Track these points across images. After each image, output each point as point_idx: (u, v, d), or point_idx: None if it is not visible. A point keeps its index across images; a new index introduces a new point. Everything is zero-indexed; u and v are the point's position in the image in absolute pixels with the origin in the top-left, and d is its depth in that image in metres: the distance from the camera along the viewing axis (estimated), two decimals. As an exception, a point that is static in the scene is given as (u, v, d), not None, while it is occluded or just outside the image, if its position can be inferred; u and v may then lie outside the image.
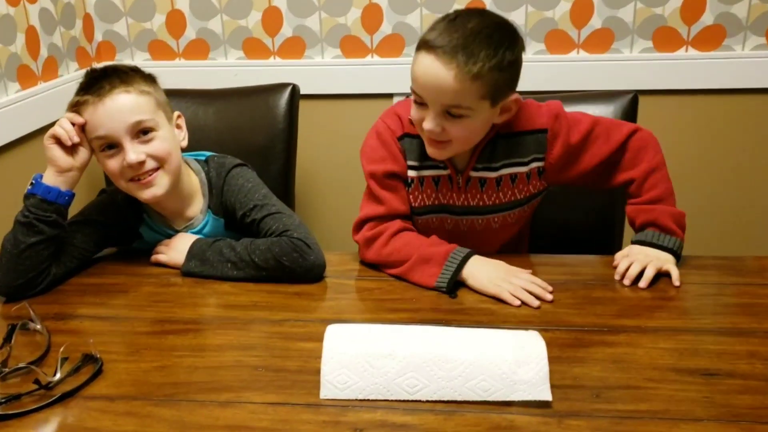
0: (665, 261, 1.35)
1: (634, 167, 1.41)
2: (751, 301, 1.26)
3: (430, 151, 1.36)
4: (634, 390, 1.02)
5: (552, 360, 1.05)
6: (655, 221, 1.39)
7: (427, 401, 1.01)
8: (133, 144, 1.35)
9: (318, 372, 1.03)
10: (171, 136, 1.41)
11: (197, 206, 1.50)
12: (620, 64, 2.01)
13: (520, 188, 1.44)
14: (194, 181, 1.50)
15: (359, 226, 1.44)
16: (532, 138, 1.41)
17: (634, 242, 1.41)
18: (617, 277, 1.35)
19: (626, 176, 1.42)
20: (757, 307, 1.24)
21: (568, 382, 1.04)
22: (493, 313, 1.24)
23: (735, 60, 1.99)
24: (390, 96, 2.06)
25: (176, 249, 1.44)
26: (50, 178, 1.34)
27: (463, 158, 1.42)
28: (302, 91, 1.85)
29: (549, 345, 1.08)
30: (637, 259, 1.35)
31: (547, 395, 1.00)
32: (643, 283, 1.31)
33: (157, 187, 1.39)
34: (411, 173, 1.44)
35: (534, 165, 1.42)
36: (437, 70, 1.24)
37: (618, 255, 1.40)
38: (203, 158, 1.54)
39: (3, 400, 1.01)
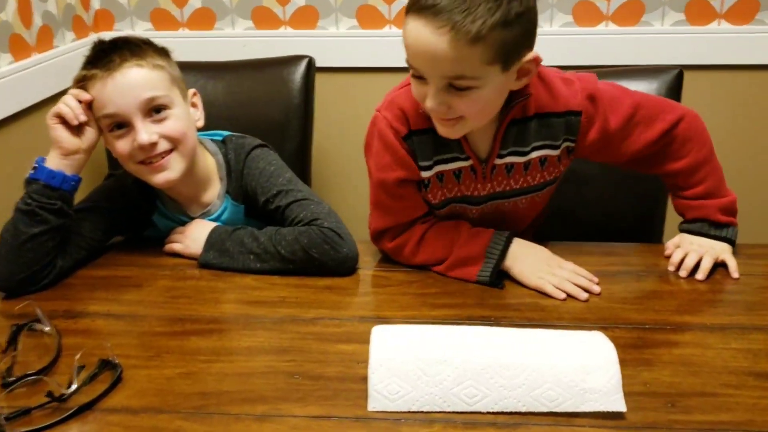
0: (721, 250, 1.26)
1: (680, 158, 1.27)
2: (819, 293, 1.17)
3: (441, 130, 1.17)
4: (711, 397, 0.93)
5: (621, 363, 0.95)
6: (707, 218, 1.28)
7: (488, 413, 0.91)
8: (145, 123, 1.23)
9: (363, 380, 0.93)
10: (186, 114, 1.30)
11: (214, 191, 1.39)
12: (653, 38, 1.89)
13: (550, 170, 1.28)
14: (210, 164, 1.39)
15: (376, 237, 1.30)
16: (563, 120, 1.22)
17: (683, 231, 1.31)
18: (671, 268, 1.25)
19: (671, 168, 1.29)
20: (827, 301, 1.15)
21: (638, 389, 0.95)
22: (544, 309, 1.14)
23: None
24: (407, 69, 1.93)
25: (192, 237, 1.32)
26: (54, 162, 1.22)
27: (485, 143, 1.23)
28: (317, 64, 1.73)
29: (611, 346, 0.99)
30: (692, 249, 1.26)
31: (621, 405, 0.90)
32: (701, 275, 1.22)
33: (170, 171, 1.27)
34: (425, 174, 1.24)
35: (565, 145, 1.26)
36: (428, 36, 1.03)
37: (670, 244, 1.30)
38: (220, 138, 1.42)
39: (11, 415, 0.90)
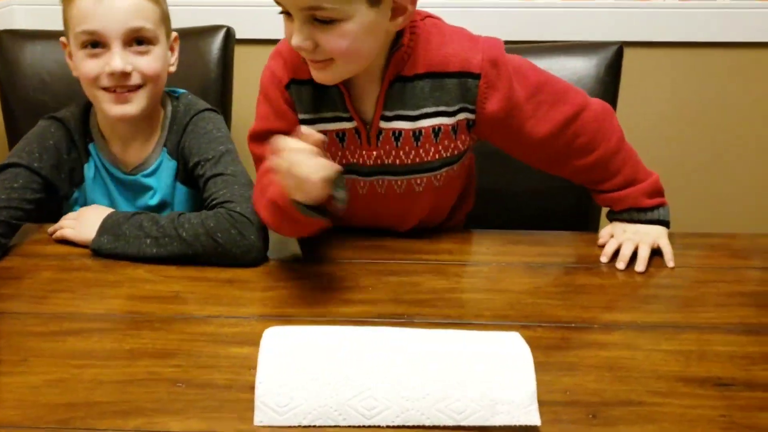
0: (657, 235, 1.19)
1: (591, 152, 1.17)
2: (757, 289, 1.10)
3: (314, 75, 1.07)
4: (637, 407, 0.85)
5: (537, 367, 0.86)
6: (633, 206, 1.20)
7: (388, 427, 0.81)
8: (124, 51, 1.19)
9: (253, 388, 0.82)
10: (165, 55, 1.26)
11: (152, 141, 1.32)
12: (601, 12, 1.80)
13: (445, 144, 1.14)
14: (158, 113, 1.32)
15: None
16: (458, 82, 1.10)
17: (614, 220, 1.22)
18: (604, 259, 1.17)
19: (584, 162, 1.18)
20: (765, 297, 1.07)
21: (557, 397, 0.86)
22: (463, 305, 1.05)
23: (723, 10, 1.81)
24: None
25: (86, 222, 1.20)
26: None
27: (370, 102, 1.12)
28: (237, 35, 1.63)
29: (532, 347, 0.90)
30: (627, 237, 1.17)
31: (535, 418, 0.81)
32: (640, 267, 1.14)
33: (131, 106, 1.22)
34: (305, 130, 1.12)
35: (462, 116, 1.13)
36: None
37: (603, 232, 1.22)
38: (176, 94, 1.36)
39: None
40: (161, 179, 1.32)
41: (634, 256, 1.16)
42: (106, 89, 1.21)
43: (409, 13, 1.05)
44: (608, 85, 1.41)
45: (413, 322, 0.99)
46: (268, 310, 1.03)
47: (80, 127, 1.31)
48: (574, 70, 1.40)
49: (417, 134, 1.13)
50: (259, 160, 1.17)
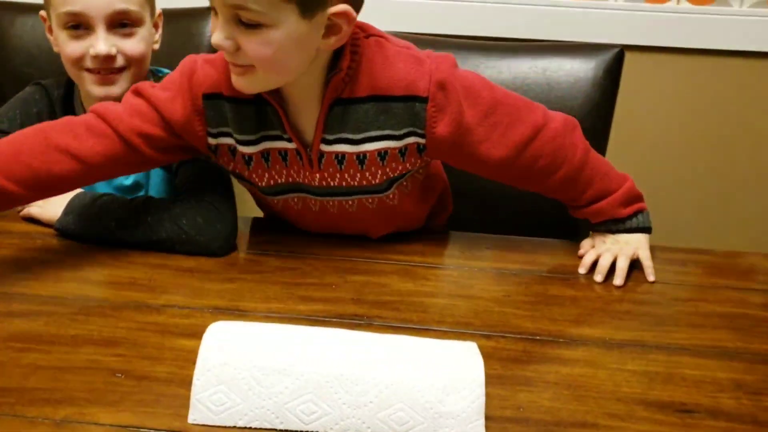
0: (637, 245, 1.14)
1: (556, 170, 1.10)
2: (738, 310, 1.05)
3: (233, 80, 0.99)
4: (591, 429, 0.81)
5: (493, 380, 0.84)
6: (610, 218, 1.15)
7: (327, 433, 0.78)
8: (108, 34, 1.17)
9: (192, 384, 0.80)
10: (149, 36, 1.24)
11: None
12: (603, 14, 1.75)
13: (393, 167, 1.08)
14: None
15: None
16: (404, 106, 1.02)
17: (594, 231, 1.18)
18: (582, 270, 1.12)
19: (551, 181, 1.11)
20: (744, 320, 1.03)
21: (509, 413, 0.82)
22: (426, 309, 1.01)
23: (731, 18, 1.75)
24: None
25: (53, 200, 1.17)
26: None
27: (309, 124, 1.05)
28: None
29: (491, 358, 0.88)
30: (606, 248, 1.13)
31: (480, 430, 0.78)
32: (618, 280, 1.10)
33: (116, 87, 1.20)
34: (245, 149, 1.07)
35: (411, 140, 1.06)
36: None
37: (584, 243, 1.17)
38: (160, 74, 1.32)
39: None
40: None
41: (613, 267, 1.11)
42: (89, 70, 1.19)
43: (344, 34, 0.97)
44: (606, 88, 1.37)
45: (372, 325, 0.96)
46: (224, 303, 0.99)
47: (63, 99, 1.28)
48: (571, 71, 1.36)
49: (361, 158, 1.07)
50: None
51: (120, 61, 1.19)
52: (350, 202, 1.13)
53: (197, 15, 1.55)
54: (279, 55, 0.95)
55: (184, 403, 0.79)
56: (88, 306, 0.97)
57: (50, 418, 0.77)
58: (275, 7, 0.91)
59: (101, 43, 1.16)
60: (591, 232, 1.18)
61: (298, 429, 0.78)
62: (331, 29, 0.96)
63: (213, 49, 1.48)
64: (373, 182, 1.09)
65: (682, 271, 1.15)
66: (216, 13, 0.95)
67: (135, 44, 1.20)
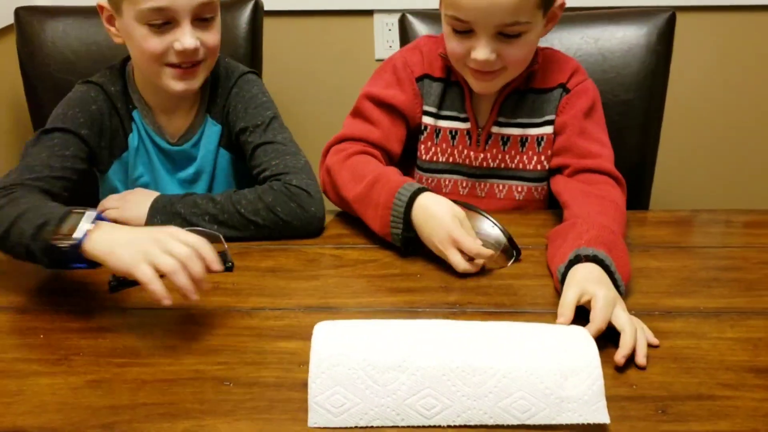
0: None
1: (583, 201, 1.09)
2: (823, 269, 1.04)
3: (479, 86, 1.14)
4: (708, 401, 0.80)
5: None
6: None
7: (449, 426, 0.77)
8: (192, 28, 1.14)
9: (304, 386, 0.79)
10: (220, 25, 1.21)
11: (196, 107, 1.28)
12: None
13: (548, 154, 1.21)
14: None
15: (331, 148, 1.21)
16: (557, 94, 1.20)
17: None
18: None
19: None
20: (833, 278, 1.02)
21: (623, 392, 0.82)
22: (516, 292, 1.00)
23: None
24: (370, 13, 1.76)
25: (133, 202, 1.16)
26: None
27: (485, 109, 1.21)
28: (266, 7, 1.56)
29: (591, 338, 0.85)
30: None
31: (604, 416, 0.77)
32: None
33: (195, 81, 1.19)
34: (427, 119, 1.22)
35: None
36: None
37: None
38: (224, 63, 1.31)
39: None
40: (205, 146, 1.28)
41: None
42: (171, 65, 1.16)
43: (557, 20, 1.14)
44: (660, 53, 1.35)
45: (466, 312, 0.95)
46: (313, 301, 0.98)
47: (121, 93, 1.25)
48: (624, 39, 1.34)
49: (523, 141, 1.20)
50: (367, 119, 1.20)
51: (201, 54, 1.17)
52: (501, 187, 1.23)
53: (234, 5, 1.52)
54: (529, 53, 1.12)
55: (301, 407, 0.78)
56: (178, 315, 0.96)
57: (170, 432, 0.77)
58: (535, 13, 1.07)
59: (188, 37, 1.13)
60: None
61: (420, 424, 0.77)
62: (549, 18, 1.12)
63: (254, 40, 1.49)
64: (528, 167, 1.21)
65: (755, 234, 1.14)
66: (466, 35, 1.08)
67: (214, 35, 1.18)
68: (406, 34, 1.43)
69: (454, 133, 1.22)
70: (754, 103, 1.87)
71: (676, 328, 0.92)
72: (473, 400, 0.77)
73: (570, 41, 1.35)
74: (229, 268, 1.04)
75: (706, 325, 0.92)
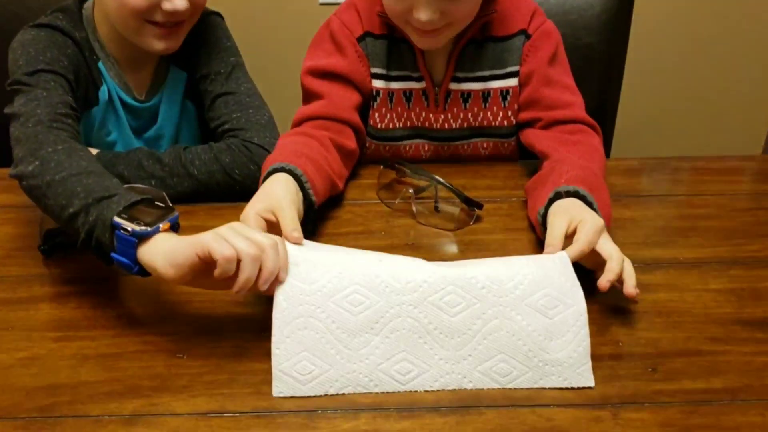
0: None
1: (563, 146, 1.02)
2: (799, 215, 1.01)
3: (424, 43, 1.04)
4: (697, 357, 0.76)
5: None
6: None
7: (426, 391, 0.71)
8: None
9: (267, 355, 0.72)
10: None
11: (157, 58, 1.16)
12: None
13: (514, 108, 1.11)
14: None
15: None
16: (518, 41, 1.09)
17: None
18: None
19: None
20: (810, 224, 0.99)
21: (609, 350, 0.77)
22: (488, 247, 0.94)
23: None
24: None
25: None
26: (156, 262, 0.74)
27: (440, 63, 1.10)
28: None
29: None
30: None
31: (588, 380, 0.72)
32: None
33: (177, 40, 1.09)
34: (377, 83, 1.10)
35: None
36: None
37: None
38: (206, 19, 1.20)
39: None
40: (170, 98, 1.18)
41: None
42: (152, 22, 1.05)
43: None
44: (620, 21, 1.30)
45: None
46: (271, 263, 0.90)
47: (86, 41, 1.10)
48: (586, 5, 1.28)
49: (485, 95, 1.11)
50: (314, 95, 1.08)
51: (186, 13, 1.06)
52: (466, 147, 1.15)
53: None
54: (476, 5, 1.01)
55: (264, 379, 0.72)
56: (121, 280, 0.87)
57: (117, 414, 0.68)
58: None
59: None
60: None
61: (395, 390, 0.71)
62: None
63: None
64: (494, 122, 1.12)
65: (729, 180, 1.11)
66: None
67: None
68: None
69: (408, 95, 1.11)
70: (717, 45, 1.85)
71: (657, 280, 0.87)
72: (451, 363, 0.72)
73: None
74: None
75: (688, 277, 0.88)
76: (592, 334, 0.75)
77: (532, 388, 0.72)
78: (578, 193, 0.87)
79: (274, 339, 0.71)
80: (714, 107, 1.91)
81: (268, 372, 0.71)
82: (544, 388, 0.72)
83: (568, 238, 0.82)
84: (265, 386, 0.71)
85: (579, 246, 0.79)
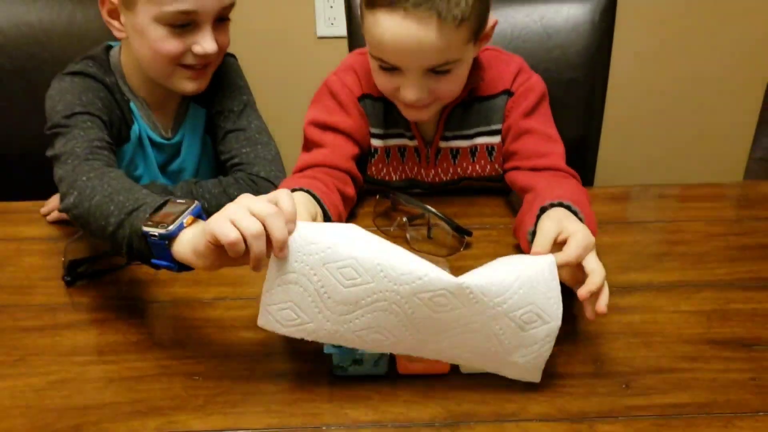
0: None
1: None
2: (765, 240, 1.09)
3: (411, 114, 1.10)
4: (668, 374, 0.83)
5: (560, 337, 0.82)
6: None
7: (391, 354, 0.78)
8: (211, 31, 1.10)
9: (275, 377, 0.79)
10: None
11: (179, 97, 1.23)
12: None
13: (500, 162, 1.18)
14: None
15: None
16: (501, 101, 1.16)
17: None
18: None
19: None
20: (776, 249, 1.06)
21: (588, 369, 0.84)
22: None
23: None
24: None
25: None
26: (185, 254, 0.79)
27: (431, 125, 1.17)
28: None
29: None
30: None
31: (536, 378, 0.81)
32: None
33: (205, 80, 1.16)
34: (375, 142, 1.18)
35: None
36: (413, 31, 0.97)
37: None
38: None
39: None
40: (191, 135, 1.25)
41: None
42: (185, 66, 1.12)
43: (490, 39, 1.09)
44: (604, 31, 1.36)
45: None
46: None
47: (115, 85, 1.18)
48: (569, 16, 1.35)
49: (473, 151, 1.18)
50: (316, 144, 1.15)
51: (214, 56, 1.12)
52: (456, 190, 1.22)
53: None
54: (461, 83, 1.08)
55: (273, 398, 0.78)
56: (138, 308, 0.94)
57: (139, 431, 0.75)
58: (464, 50, 1.02)
59: (209, 41, 1.09)
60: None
61: (363, 349, 0.79)
62: (482, 39, 1.07)
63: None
64: (482, 173, 1.20)
65: (703, 207, 1.18)
66: (393, 72, 1.03)
67: (227, 35, 1.15)
68: (351, 12, 1.41)
69: (403, 150, 1.19)
70: (696, 74, 1.92)
71: (633, 303, 0.95)
72: (425, 345, 0.79)
73: (515, 19, 1.36)
74: None
75: (661, 299, 0.95)
76: (573, 354, 0.83)
77: (518, 403, 0.79)
78: (565, 205, 0.93)
79: (266, 281, 0.76)
80: (691, 135, 1.98)
81: (276, 393, 0.78)
82: (530, 410, 0.78)
83: (557, 246, 0.83)
84: (275, 405, 0.78)
85: (566, 258, 0.80)
